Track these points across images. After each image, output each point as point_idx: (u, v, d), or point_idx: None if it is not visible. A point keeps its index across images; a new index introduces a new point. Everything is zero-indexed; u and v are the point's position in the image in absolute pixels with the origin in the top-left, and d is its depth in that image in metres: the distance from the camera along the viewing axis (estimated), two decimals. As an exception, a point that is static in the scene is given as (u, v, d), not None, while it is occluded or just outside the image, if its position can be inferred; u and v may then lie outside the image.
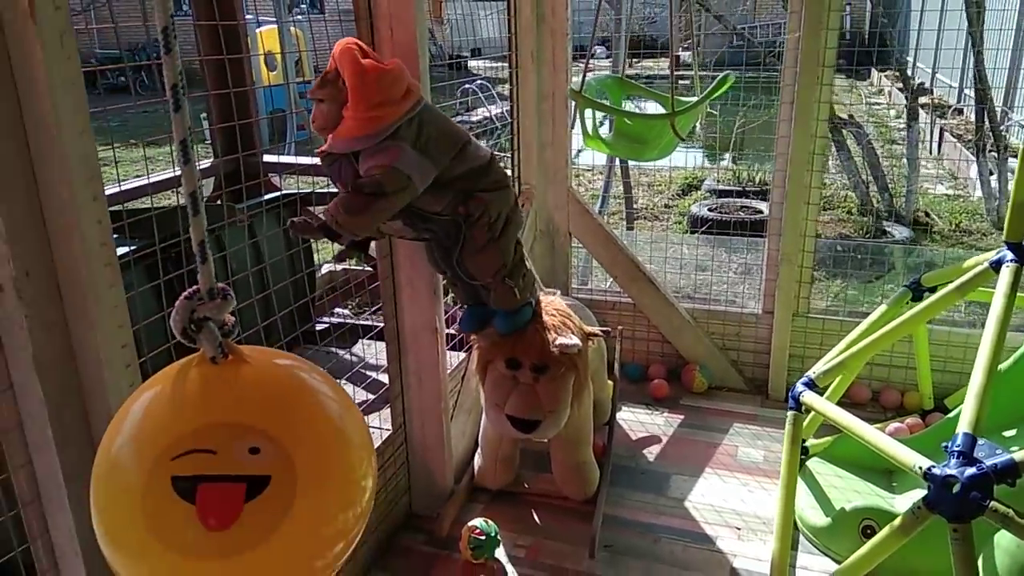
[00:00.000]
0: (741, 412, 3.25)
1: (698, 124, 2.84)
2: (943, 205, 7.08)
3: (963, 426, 1.71)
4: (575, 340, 2.29)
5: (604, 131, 2.80)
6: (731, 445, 3.01)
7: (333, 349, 3.36)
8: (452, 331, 2.84)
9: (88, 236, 1.24)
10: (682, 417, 3.21)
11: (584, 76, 2.63)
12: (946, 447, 1.70)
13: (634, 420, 3.20)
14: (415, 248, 2.33)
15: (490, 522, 2.38)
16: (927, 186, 7.64)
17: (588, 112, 2.61)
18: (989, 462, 1.62)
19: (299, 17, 7.55)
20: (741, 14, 9.20)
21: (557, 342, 2.27)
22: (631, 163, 5.27)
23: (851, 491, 2.51)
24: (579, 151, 4.88)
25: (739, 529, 2.54)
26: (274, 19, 6.23)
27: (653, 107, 3.13)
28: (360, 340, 3.63)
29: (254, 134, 3.81)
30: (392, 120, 1.83)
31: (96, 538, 0.80)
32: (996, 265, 2.02)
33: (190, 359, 0.84)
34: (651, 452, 2.98)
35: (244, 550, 0.74)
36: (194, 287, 0.83)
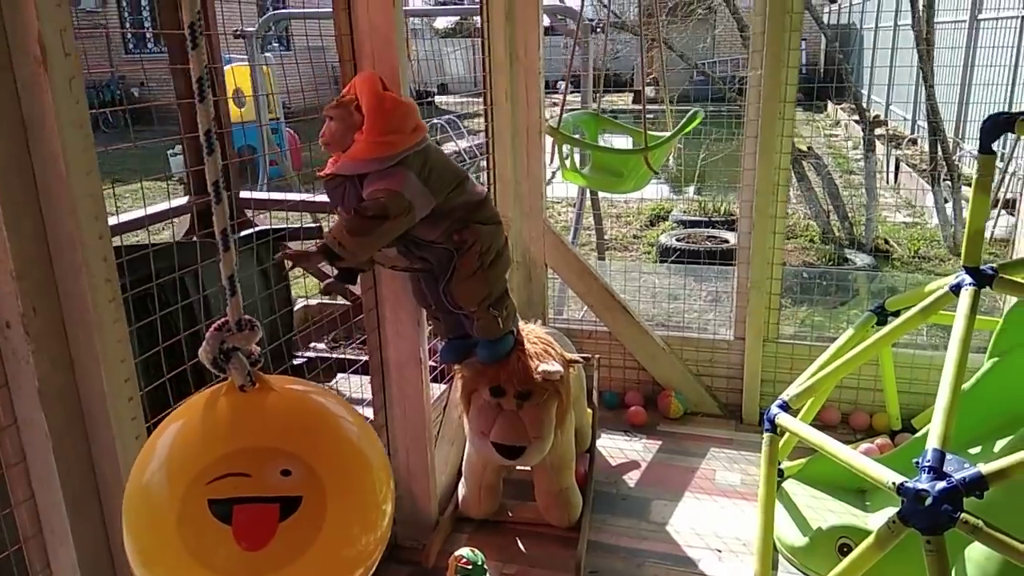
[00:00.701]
0: (716, 436, 3.32)
1: (670, 158, 2.94)
2: (901, 232, 7.32)
3: (932, 442, 1.79)
4: (557, 367, 2.35)
5: (582, 165, 2.89)
6: (709, 469, 3.07)
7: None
8: (432, 363, 2.88)
9: (95, 272, 1.27)
10: (660, 443, 3.28)
11: (561, 113, 2.72)
12: (917, 462, 1.78)
13: (613, 447, 3.25)
14: (399, 281, 2.38)
15: (477, 551, 2.40)
16: (885, 214, 7.90)
17: (566, 147, 2.70)
18: (958, 476, 1.70)
19: (268, 55, 7.60)
20: (702, 51, 9.49)
21: (540, 369, 2.33)
22: (600, 195, 5.39)
23: (826, 511, 2.58)
24: (547, 182, 4.99)
25: (720, 551, 2.60)
26: (243, 56, 6.29)
27: (622, 141, 3.25)
28: (338, 374, 3.66)
29: (230, 172, 3.85)
30: (402, 148, 1.92)
31: (126, 558, 0.83)
32: (956, 289, 2.13)
33: (217, 388, 0.88)
34: (631, 478, 3.03)
35: (276, 569, 0.78)
36: (223, 318, 0.87)
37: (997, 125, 1.98)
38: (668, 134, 2.70)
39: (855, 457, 1.96)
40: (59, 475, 1.31)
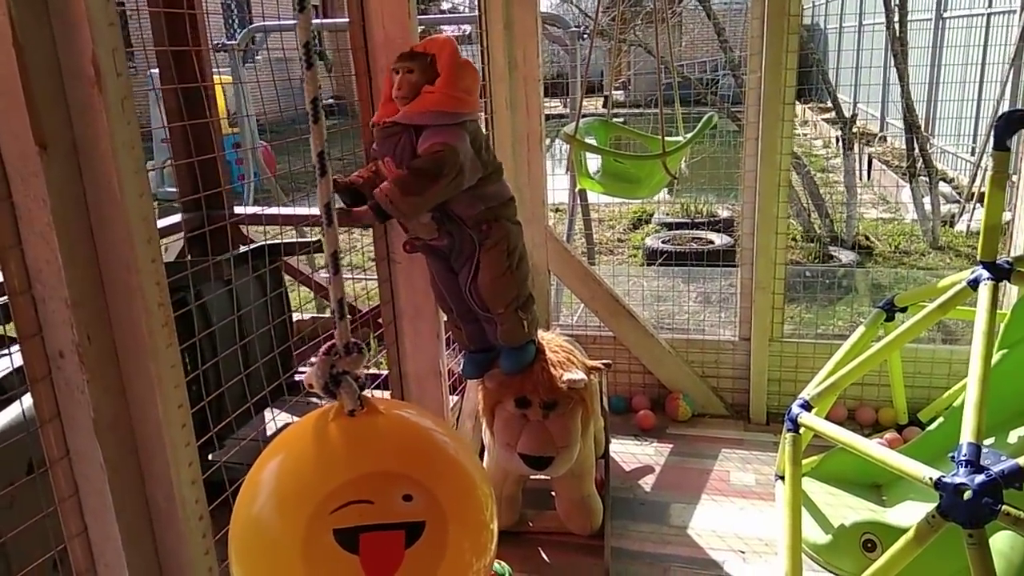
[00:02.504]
0: (727, 437, 3.34)
1: (683, 162, 2.96)
2: (880, 228, 7.44)
3: (966, 436, 1.81)
4: (581, 375, 2.35)
5: (592, 170, 2.90)
6: (722, 470, 3.09)
7: (314, 399, 3.34)
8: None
9: (148, 296, 1.24)
10: (671, 446, 3.29)
11: (577, 120, 2.72)
12: (952, 456, 1.80)
13: (625, 452, 3.25)
14: (419, 293, 2.36)
15: (503, 563, 2.38)
16: (862, 210, 8.03)
17: (582, 154, 2.70)
18: (996, 468, 1.72)
19: (244, 70, 7.52)
20: (677, 53, 9.56)
21: (565, 378, 2.32)
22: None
23: (845, 507, 2.61)
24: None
25: (743, 552, 2.61)
26: (223, 69, 6.21)
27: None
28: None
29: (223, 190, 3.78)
30: (468, 109, 1.98)
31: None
32: (974, 284, 2.17)
33: (322, 414, 0.86)
34: (647, 482, 3.03)
35: (404, 596, 0.76)
36: (331, 342, 0.85)
37: (1011, 122, 2.02)
38: (683, 138, 2.72)
39: (887, 453, 1.98)
40: (114, 507, 1.27)
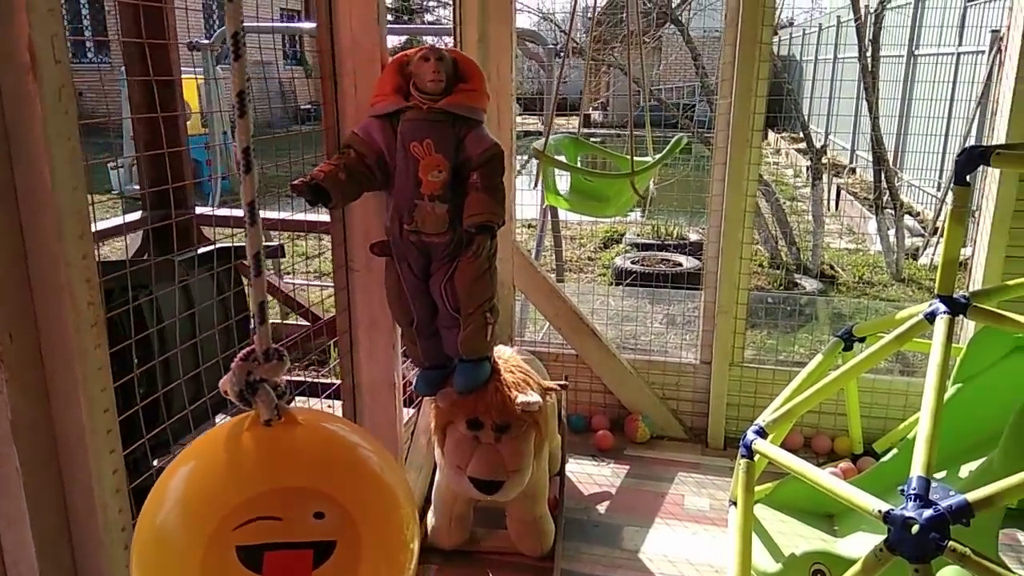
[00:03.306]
0: (684, 461, 3.32)
1: (652, 183, 2.95)
2: (845, 259, 7.53)
3: (916, 469, 1.81)
4: (536, 397, 2.30)
5: (562, 188, 2.88)
6: (677, 494, 3.06)
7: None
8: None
9: (77, 295, 1.19)
10: (628, 467, 3.26)
11: (547, 137, 2.71)
12: (902, 490, 1.79)
13: (582, 472, 3.22)
14: (376, 302, 2.31)
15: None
16: (828, 240, 8.13)
17: (551, 170, 2.68)
18: (944, 503, 1.71)
19: (219, 69, 7.44)
20: (655, 77, 9.66)
21: (519, 400, 2.26)
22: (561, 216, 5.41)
23: (797, 536, 2.60)
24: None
25: (693, 578, 2.58)
26: (192, 69, 6.14)
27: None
28: (298, 398, 3.54)
29: (186, 187, 3.71)
30: (486, 109, 2.12)
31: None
32: (930, 317, 2.17)
33: (238, 422, 0.82)
34: (601, 504, 3.00)
35: (311, 622, 0.72)
36: (249, 347, 0.81)
37: (972, 158, 2.03)
38: (651, 159, 2.71)
39: (838, 484, 1.97)
40: (29, 514, 1.21)
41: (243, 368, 0.80)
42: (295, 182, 1.95)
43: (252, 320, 0.81)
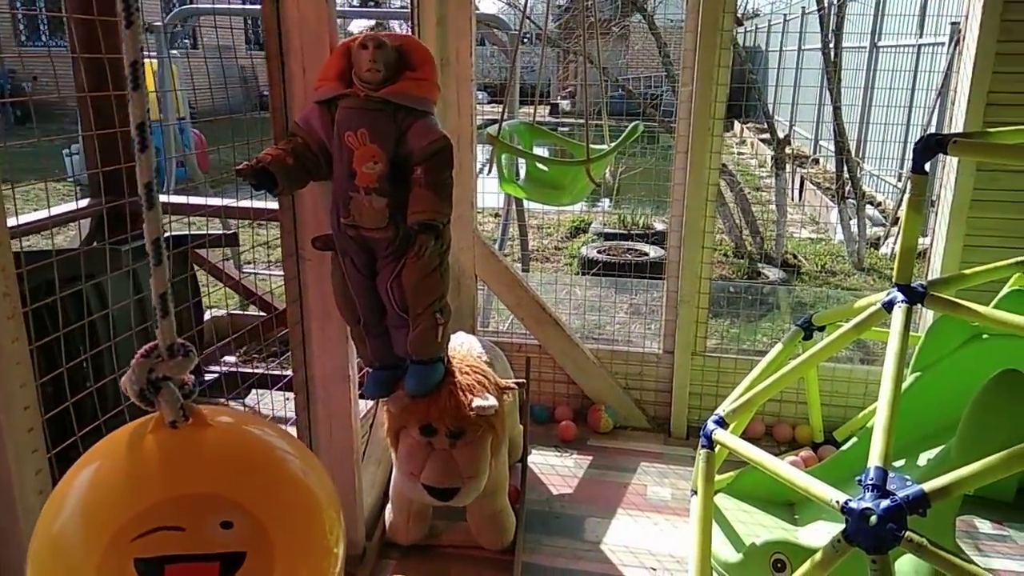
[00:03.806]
0: (646, 451, 3.30)
1: (608, 171, 2.91)
2: (808, 248, 7.59)
3: (874, 460, 1.79)
4: (492, 401, 2.21)
5: (517, 176, 2.83)
6: (640, 484, 3.04)
7: (222, 400, 3.18)
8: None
9: (-11, 285, 1.10)
10: (591, 458, 3.23)
11: (500, 123, 2.65)
12: (860, 480, 1.78)
13: (544, 463, 3.18)
14: (327, 294, 2.24)
15: (409, 579, 2.28)
16: (792, 230, 8.19)
17: (504, 157, 2.62)
18: (901, 494, 1.70)
19: (175, 52, 7.25)
20: (621, 66, 9.63)
21: (474, 404, 2.18)
22: (527, 205, 5.36)
23: (758, 525, 2.59)
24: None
25: (654, 570, 2.56)
26: (152, 53, 5.95)
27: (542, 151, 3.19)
28: (254, 390, 3.46)
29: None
30: (435, 100, 2.00)
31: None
32: (888, 305, 2.16)
33: (142, 423, 0.75)
34: (564, 495, 2.97)
35: (219, 639, 0.66)
36: (152, 343, 0.75)
37: (930, 146, 2.02)
38: (608, 147, 2.67)
39: (796, 475, 1.95)
40: (-59, 519, 1.13)
41: (144, 365, 0.73)
42: (239, 166, 1.87)
43: (155, 312, 0.74)
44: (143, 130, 0.69)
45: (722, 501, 2.70)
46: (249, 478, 0.73)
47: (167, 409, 0.73)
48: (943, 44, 7.34)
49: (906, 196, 2.11)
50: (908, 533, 1.66)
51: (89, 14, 3.03)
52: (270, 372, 3.17)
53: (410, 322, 2.11)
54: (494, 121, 3.04)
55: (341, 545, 0.80)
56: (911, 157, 2.06)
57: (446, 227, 2.06)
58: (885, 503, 1.69)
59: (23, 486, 1.20)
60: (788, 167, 7.86)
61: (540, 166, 2.73)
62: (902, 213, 2.14)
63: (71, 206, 3.19)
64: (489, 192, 4.10)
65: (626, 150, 2.82)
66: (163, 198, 3.78)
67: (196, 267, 3.44)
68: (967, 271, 2.44)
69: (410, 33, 3.16)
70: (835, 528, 2.54)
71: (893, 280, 2.18)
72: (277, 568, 0.70)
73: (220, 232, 3.22)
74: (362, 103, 1.91)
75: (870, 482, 1.74)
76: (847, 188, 7.10)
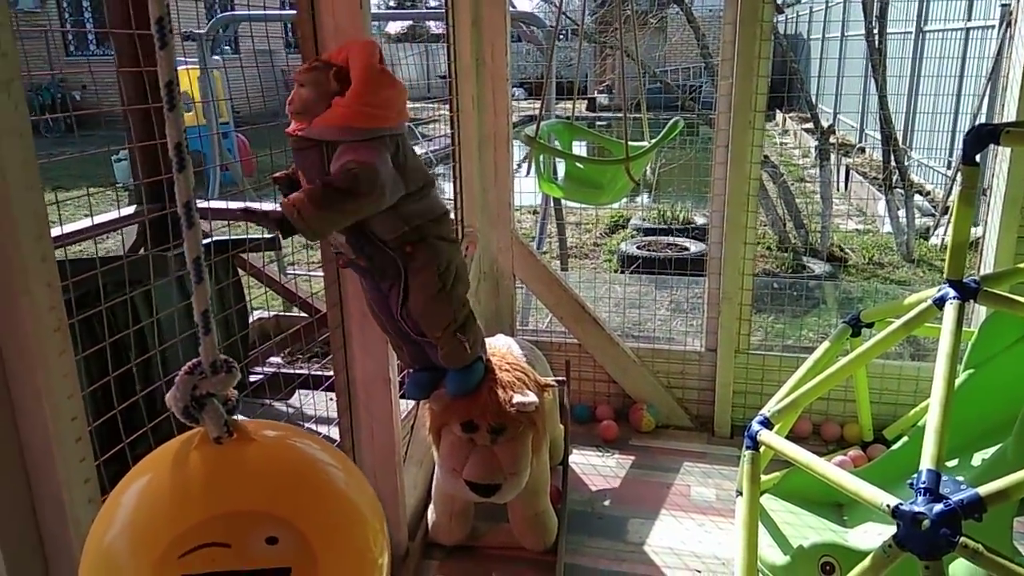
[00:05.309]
0: (689, 450, 3.26)
1: (648, 168, 2.87)
2: (855, 240, 7.42)
3: (926, 462, 1.74)
4: (532, 397, 2.22)
5: (555, 175, 2.81)
6: (683, 485, 3.01)
7: (267, 401, 3.23)
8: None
9: (37, 300, 1.13)
10: (633, 458, 3.20)
11: (539, 122, 2.63)
12: (911, 483, 1.73)
13: (586, 463, 3.17)
14: (367, 296, 2.25)
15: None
16: (838, 221, 8.01)
17: (542, 156, 2.61)
18: (956, 497, 1.65)
19: (217, 59, 7.38)
20: (657, 59, 9.52)
21: (515, 401, 2.18)
22: (564, 203, 5.34)
23: (805, 527, 2.53)
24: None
25: (699, 572, 2.53)
26: (192, 59, 6.06)
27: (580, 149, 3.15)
28: (298, 391, 3.50)
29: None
30: (383, 124, 1.76)
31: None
32: (940, 302, 2.10)
33: (187, 439, 0.76)
34: (606, 496, 2.95)
35: (262, 656, 0.66)
36: (195, 360, 0.75)
37: (981, 137, 1.95)
38: (648, 144, 2.63)
39: (844, 477, 1.90)
40: (-3, 527, 1.16)
41: (188, 382, 0.74)
42: (276, 175, 1.89)
43: (201, 328, 0.75)
44: (180, 150, 0.70)
45: (768, 502, 2.65)
46: (293, 493, 0.73)
47: (212, 426, 0.74)
48: (993, 28, 7.11)
49: (956, 188, 2.04)
50: (963, 538, 1.61)
51: (130, 27, 3.09)
52: (314, 373, 3.20)
53: (434, 344, 2.09)
54: (531, 118, 3.02)
55: (385, 556, 0.80)
56: (961, 148, 2.00)
57: (434, 246, 1.95)
58: (938, 507, 1.64)
59: (72, 496, 1.22)
60: (833, 157, 7.71)
61: (578, 165, 2.70)
62: (952, 205, 2.07)
63: (117, 213, 3.25)
64: (527, 191, 4.10)
65: (665, 146, 2.78)
66: (204, 204, 3.85)
67: (240, 271, 3.49)
68: (1022, 264, 2.36)
69: (444, 33, 3.16)
70: (886, 531, 2.47)
71: (944, 275, 2.12)
72: (323, 582, 0.70)
73: (261, 236, 3.25)
74: (294, 143, 1.81)
75: (922, 485, 1.69)
76: (895, 178, 6.92)
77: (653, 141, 2.67)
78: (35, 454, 1.19)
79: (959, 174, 2.03)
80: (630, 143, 2.54)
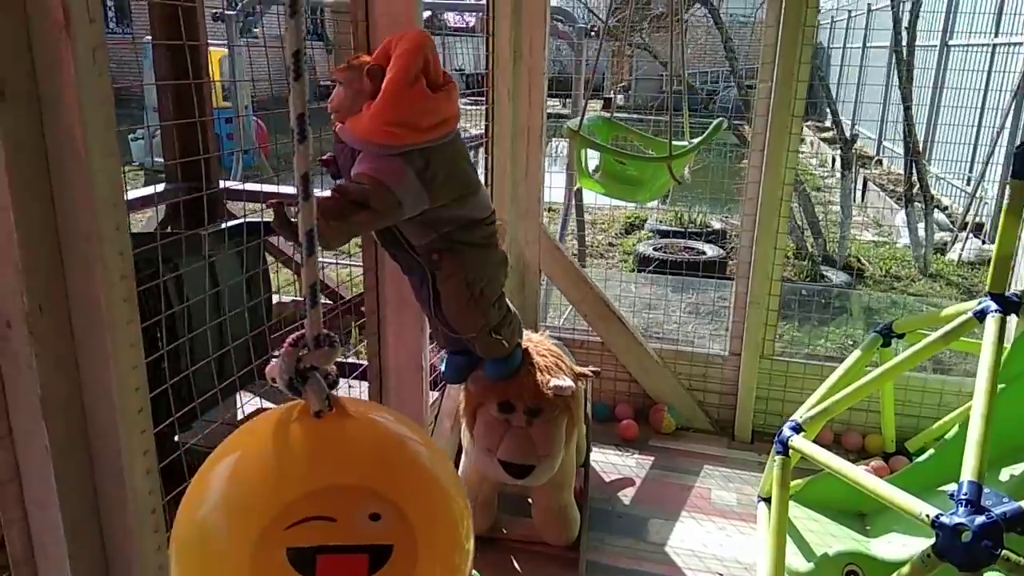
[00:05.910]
0: (710, 454, 3.26)
1: (687, 168, 2.87)
2: (871, 251, 7.40)
3: (968, 474, 1.73)
4: (569, 382, 2.25)
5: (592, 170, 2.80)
6: (704, 488, 3.00)
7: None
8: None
9: (111, 267, 1.13)
10: (652, 459, 3.20)
11: (582, 116, 2.63)
12: (952, 495, 1.72)
13: (606, 462, 3.16)
14: (403, 282, 2.25)
15: (476, 572, 2.29)
16: (854, 232, 7.99)
17: (584, 152, 2.60)
18: (998, 510, 1.64)
19: (241, 42, 7.37)
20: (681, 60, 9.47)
21: (551, 384, 2.21)
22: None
23: (828, 535, 2.53)
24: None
25: (721, 575, 2.52)
26: (221, 41, 6.06)
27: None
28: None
29: (211, 161, 3.65)
30: (405, 143, 1.70)
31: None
32: (980, 315, 2.09)
33: (287, 411, 0.76)
34: (626, 495, 2.95)
35: (366, 631, 0.66)
36: (299, 332, 0.75)
37: (1033, 151, 1.94)
38: (689, 143, 2.63)
39: (881, 485, 1.90)
40: (58, 496, 1.16)
41: (292, 355, 0.74)
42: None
43: (305, 301, 0.75)
44: (303, 121, 0.69)
45: (792, 510, 2.64)
46: (393, 471, 0.73)
47: (314, 399, 0.74)
48: (1020, 44, 7.08)
49: (1004, 202, 2.04)
50: (1005, 551, 1.60)
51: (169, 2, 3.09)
52: (345, 361, 3.20)
53: (471, 342, 2.12)
54: (549, 116, 3.01)
55: (471, 541, 0.80)
56: (1012, 162, 1.99)
57: (461, 254, 1.92)
58: (980, 519, 1.64)
59: (132, 465, 1.23)
60: (853, 167, 7.67)
61: (618, 161, 2.70)
62: (978, 219, 2.06)
63: (142, 191, 3.26)
64: (552, 187, 4.09)
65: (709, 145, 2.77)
66: (239, 184, 3.85)
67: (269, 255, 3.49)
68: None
69: (480, 29, 3.15)
70: (910, 540, 2.47)
71: (987, 288, 2.11)
72: (420, 562, 0.70)
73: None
74: (335, 136, 1.79)
75: (963, 497, 1.69)
76: (915, 191, 6.90)
77: (696, 140, 2.66)
78: (99, 423, 1.19)
79: (982, 188, 2.02)
80: (675, 143, 2.53)
